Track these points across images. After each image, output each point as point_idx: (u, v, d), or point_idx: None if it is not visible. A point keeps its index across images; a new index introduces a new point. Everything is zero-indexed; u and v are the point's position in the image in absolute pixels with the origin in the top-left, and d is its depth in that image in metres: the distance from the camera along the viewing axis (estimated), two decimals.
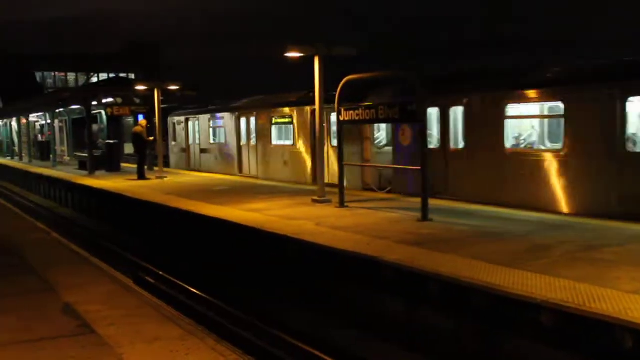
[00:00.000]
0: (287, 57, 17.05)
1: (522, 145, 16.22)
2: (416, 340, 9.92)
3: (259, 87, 29.51)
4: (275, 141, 25.13)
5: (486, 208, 15.30)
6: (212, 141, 30.35)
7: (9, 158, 52.09)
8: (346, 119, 16.41)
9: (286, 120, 24.30)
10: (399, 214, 15.13)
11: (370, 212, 15.62)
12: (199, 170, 30.73)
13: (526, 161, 15.16)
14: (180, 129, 33.51)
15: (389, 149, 19.27)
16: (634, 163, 13.02)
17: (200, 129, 31.17)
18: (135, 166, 27.73)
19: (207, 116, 30.19)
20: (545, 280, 8.71)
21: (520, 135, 16.32)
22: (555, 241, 11.29)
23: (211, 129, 30.37)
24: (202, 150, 31.03)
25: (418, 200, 14.32)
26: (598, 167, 13.57)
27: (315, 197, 17.46)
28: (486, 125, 15.89)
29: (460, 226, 13.21)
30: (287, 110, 24.03)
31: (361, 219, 14.62)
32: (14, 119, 50.50)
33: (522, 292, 8.25)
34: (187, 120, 32.49)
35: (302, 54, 16.91)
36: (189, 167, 32.08)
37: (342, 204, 16.50)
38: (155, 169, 28.80)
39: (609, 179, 13.37)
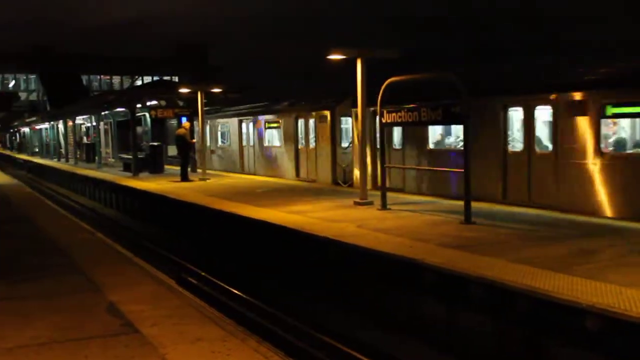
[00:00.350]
0: (329, 59, 17.06)
1: None
2: (457, 344, 9.82)
3: (304, 89, 29.38)
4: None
5: (532, 211, 15.11)
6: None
7: (55, 160, 52.75)
8: (388, 121, 16.34)
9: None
10: (442, 216, 15.01)
11: (413, 214, 15.52)
12: (241, 172, 30.83)
13: None
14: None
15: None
16: None
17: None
18: (178, 168, 27.94)
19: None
20: (591, 284, 8.57)
21: None
22: (601, 245, 11.12)
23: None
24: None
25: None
26: None
27: (357, 200, 17.40)
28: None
29: (504, 229, 13.06)
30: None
31: (403, 221, 14.53)
32: (61, 122, 51.14)
33: (567, 297, 8.13)
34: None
35: (344, 56, 16.90)
36: (231, 169, 32.20)
37: (384, 206, 16.42)
38: (198, 170, 29.00)
39: None
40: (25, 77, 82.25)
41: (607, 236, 11.98)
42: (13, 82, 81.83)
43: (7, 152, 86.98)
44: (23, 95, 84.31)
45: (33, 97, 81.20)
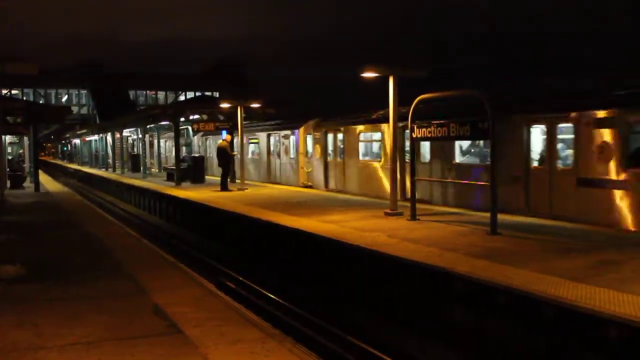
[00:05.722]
0: (364, 77, 17.10)
1: None
2: (483, 350, 9.74)
3: (340, 106, 29.76)
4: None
5: (555, 223, 14.98)
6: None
7: (103, 169, 53.35)
8: (419, 135, 16.32)
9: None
10: (468, 227, 14.93)
11: (441, 225, 15.45)
12: (277, 183, 30.97)
13: None
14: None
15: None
16: None
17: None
18: (218, 178, 28.10)
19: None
20: (612, 294, 8.47)
21: None
22: (623, 257, 10.98)
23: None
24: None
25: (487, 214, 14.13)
26: None
27: (388, 210, 17.38)
28: None
29: (529, 240, 12.95)
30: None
31: (432, 231, 14.47)
32: (109, 134, 51.74)
33: (589, 306, 8.03)
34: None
35: (378, 74, 16.93)
36: (269, 180, 32.37)
37: (413, 217, 16.37)
38: (237, 181, 29.14)
39: None
40: (77, 92, 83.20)
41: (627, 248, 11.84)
42: (66, 96, 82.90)
43: (59, 162, 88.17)
44: (75, 109, 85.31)
45: (84, 110, 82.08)
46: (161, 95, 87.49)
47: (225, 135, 29.09)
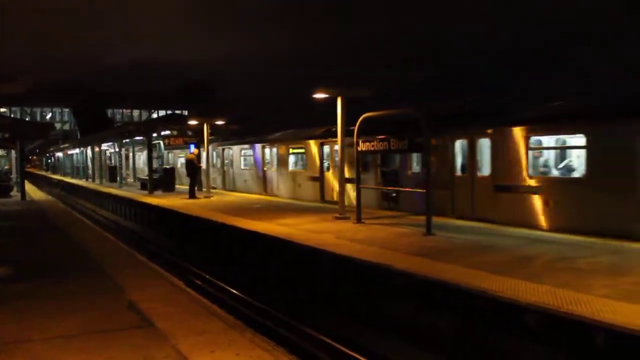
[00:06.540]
0: (315, 97, 17.13)
1: None
2: (420, 337, 9.84)
3: (293, 121, 29.75)
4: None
5: (479, 224, 15.22)
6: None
7: (84, 180, 52.56)
8: (363, 149, 16.43)
9: (302, 150, 25.33)
10: (407, 229, 15.07)
11: (383, 227, 15.57)
12: (235, 191, 30.95)
13: None
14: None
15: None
16: None
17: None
18: (187, 187, 27.90)
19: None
20: (529, 286, 8.65)
21: None
22: (536, 253, 11.22)
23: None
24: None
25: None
26: None
27: (337, 215, 17.44)
28: None
29: (459, 240, 13.14)
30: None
31: (375, 233, 14.57)
32: (89, 148, 51.02)
33: (511, 296, 8.19)
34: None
35: (327, 95, 16.97)
36: (227, 188, 32.48)
37: (359, 220, 16.47)
38: (204, 189, 28.95)
39: None
40: (60, 110, 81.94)
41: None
42: (50, 114, 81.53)
43: (44, 173, 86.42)
44: (58, 126, 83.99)
45: (66, 127, 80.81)
46: (136, 112, 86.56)
47: (193, 148, 28.86)
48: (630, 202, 12.33)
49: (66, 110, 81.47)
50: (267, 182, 28.40)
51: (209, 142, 28.66)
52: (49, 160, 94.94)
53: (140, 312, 8.40)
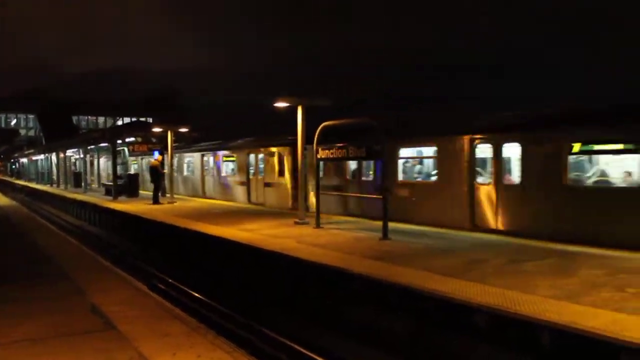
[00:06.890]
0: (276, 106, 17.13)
1: None
2: (376, 336, 9.89)
3: (256, 129, 29.86)
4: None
5: (427, 228, 15.43)
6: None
7: (48, 185, 51.58)
8: (323, 156, 16.47)
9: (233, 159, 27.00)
10: (364, 234, 15.13)
11: (341, 232, 15.61)
12: (201, 197, 30.62)
13: None
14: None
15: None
16: None
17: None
18: (151, 193, 27.57)
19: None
20: (479, 287, 8.77)
21: None
22: (487, 256, 11.38)
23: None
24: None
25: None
26: None
27: (297, 220, 17.44)
28: None
29: (413, 244, 13.24)
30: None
31: (334, 237, 14.59)
32: (54, 154, 50.13)
33: (463, 297, 8.30)
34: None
35: (288, 104, 16.98)
36: (194, 194, 32.05)
37: (318, 225, 16.49)
38: (167, 195, 28.65)
39: None
40: (25, 117, 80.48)
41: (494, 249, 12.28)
42: (15, 120, 79.95)
43: (8, 179, 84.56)
44: (23, 132, 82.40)
45: (31, 133, 79.47)
46: (101, 119, 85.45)
47: (156, 155, 28.54)
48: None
49: (31, 116, 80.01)
50: (205, 186, 29.81)
51: (173, 149, 28.41)
52: (14, 166, 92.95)
53: (104, 315, 8.28)
